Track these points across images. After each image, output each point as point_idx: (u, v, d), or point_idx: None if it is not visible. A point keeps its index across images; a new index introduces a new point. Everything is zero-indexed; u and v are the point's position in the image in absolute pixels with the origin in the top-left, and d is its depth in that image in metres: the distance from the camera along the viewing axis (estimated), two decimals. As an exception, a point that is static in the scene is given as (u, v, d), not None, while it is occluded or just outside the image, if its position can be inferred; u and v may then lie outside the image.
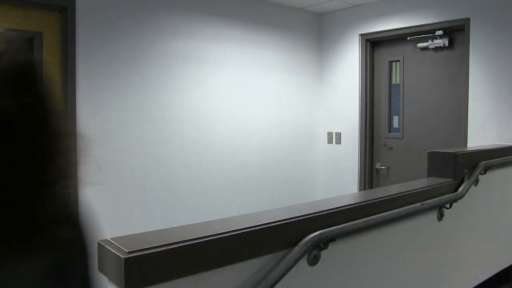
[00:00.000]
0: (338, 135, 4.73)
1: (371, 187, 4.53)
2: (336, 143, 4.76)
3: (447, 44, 3.90)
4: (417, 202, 2.03)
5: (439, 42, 3.93)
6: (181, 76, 3.77)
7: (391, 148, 4.42)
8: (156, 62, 3.61)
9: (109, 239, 1.15)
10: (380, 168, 4.49)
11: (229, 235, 1.25)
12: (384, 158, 4.48)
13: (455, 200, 2.32)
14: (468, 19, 3.68)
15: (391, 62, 4.41)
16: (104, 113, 3.33)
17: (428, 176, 2.49)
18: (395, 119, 4.41)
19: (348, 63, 4.61)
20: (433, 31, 3.94)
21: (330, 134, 4.81)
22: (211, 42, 3.96)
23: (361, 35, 4.49)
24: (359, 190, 4.49)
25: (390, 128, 4.45)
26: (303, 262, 1.46)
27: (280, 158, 4.54)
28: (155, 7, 3.59)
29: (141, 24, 3.52)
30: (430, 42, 3.99)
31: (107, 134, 3.35)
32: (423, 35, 4.03)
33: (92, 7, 3.25)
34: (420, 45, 4.08)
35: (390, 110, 4.43)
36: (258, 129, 4.36)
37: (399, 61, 4.32)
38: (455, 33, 3.88)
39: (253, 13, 4.27)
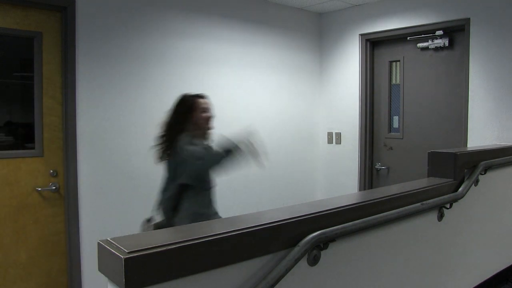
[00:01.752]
0: (338, 135, 4.73)
1: (371, 187, 4.53)
2: (336, 143, 4.76)
3: (447, 44, 3.90)
4: (417, 202, 2.02)
5: (439, 42, 3.93)
6: (181, 76, 3.77)
7: (391, 148, 4.42)
8: (156, 62, 3.61)
9: (109, 239, 1.15)
10: (380, 168, 4.50)
11: (229, 235, 1.25)
12: (384, 158, 4.48)
13: (455, 200, 2.32)
14: (468, 19, 3.68)
15: (391, 62, 4.41)
16: (104, 112, 3.33)
17: (428, 176, 2.49)
18: (395, 119, 4.41)
19: (348, 63, 4.61)
20: (433, 31, 3.94)
21: (330, 134, 4.81)
22: (211, 42, 3.96)
23: (361, 35, 4.49)
24: (359, 190, 4.49)
25: (390, 128, 4.45)
26: (303, 262, 1.46)
27: (280, 158, 4.53)
28: (155, 7, 3.60)
29: (141, 24, 3.52)
30: (430, 42, 4.00)
31: (106, 133, 3.35)
32: (423, 35, 4.03)
33: (92, 7, 3.25)
34: (420, 45, 4.08)
35: (390, 110, 4.44)
36: (258, 129, 4.34)
37: (399, 61, 4.33)
38: (455, 33, 3.88)
39: (253, 13, 4.27)
